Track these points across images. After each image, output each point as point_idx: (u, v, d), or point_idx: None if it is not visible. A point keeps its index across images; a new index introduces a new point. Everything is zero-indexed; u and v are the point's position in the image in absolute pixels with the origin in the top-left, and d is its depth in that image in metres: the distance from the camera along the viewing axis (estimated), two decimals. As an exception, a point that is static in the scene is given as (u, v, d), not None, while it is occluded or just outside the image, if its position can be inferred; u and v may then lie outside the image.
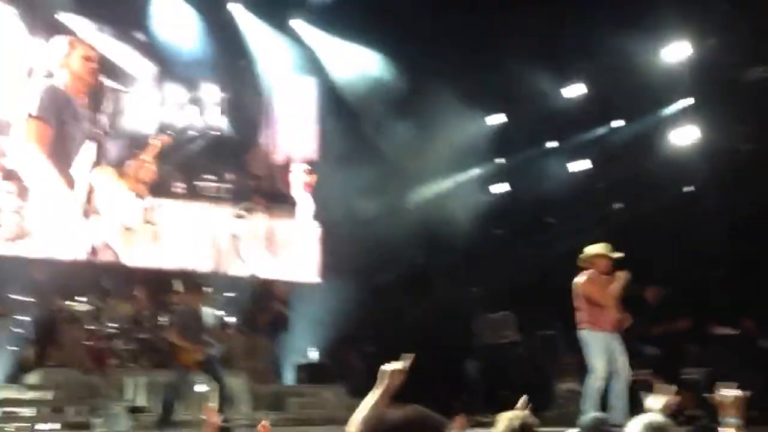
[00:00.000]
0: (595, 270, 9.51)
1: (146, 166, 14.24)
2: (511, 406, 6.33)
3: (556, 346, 14.05)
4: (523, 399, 6.23)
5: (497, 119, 17.26)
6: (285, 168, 16.52)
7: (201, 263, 14.73)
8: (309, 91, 17.50)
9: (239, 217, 15.23)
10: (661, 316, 11.73)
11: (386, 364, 3.91)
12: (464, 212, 15.88)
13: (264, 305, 13.71)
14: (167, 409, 10.24)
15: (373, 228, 15.09)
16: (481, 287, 12.19)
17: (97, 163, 13.65)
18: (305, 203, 16.46)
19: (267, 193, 16.00)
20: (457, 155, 16.47)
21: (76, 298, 12.11)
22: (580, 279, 9.52)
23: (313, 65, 17.30)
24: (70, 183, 13.23)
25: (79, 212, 13.25)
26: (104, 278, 12.69)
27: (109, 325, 11.89)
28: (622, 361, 9.40)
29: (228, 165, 15.65)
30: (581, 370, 12.18)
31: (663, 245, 14.31)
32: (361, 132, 16.25)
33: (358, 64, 16.97)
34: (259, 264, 14.49)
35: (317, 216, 16.75)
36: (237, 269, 14.17)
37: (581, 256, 9.66)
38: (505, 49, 14.77)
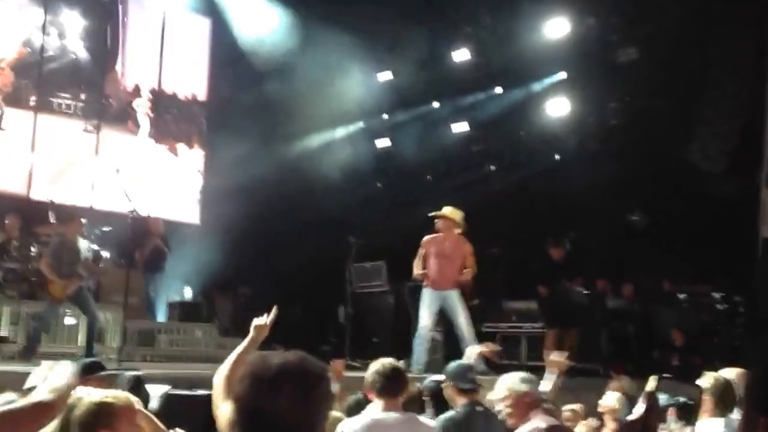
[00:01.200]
0: (442, 230, 9.88)
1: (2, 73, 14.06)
2: (379, 352, 6.21)
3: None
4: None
5: (385, 76, 16.98)
6: (134, 94, 16.44)
7: (78, 195, 14.25)
8: (202, 30, 17.23)
9: (87, 131, 15.31)
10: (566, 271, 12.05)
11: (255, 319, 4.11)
12: (347, 165, 15.65)
13: (142, 241, 13.09)
14: (33, 340, 9.62)
15: (256, 174, 14.69)
16: (357, 238, 11.92)
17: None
18: (145, 127, 16.44)
19: (115, 114, 16.05)
20: (345, 108, 16.31)
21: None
22: (426, 237, 9.89)
23: (209, 6, 16.89)
24: None
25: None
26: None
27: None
28: (463, 317, 9.83)
29: (83, 86, 15.67)
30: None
31: (525, 210, 14.55)
32: (251, 77, 15.70)
33: (254, 9, 16.44)
34: (140, 199, 13.98)
35: (202, 159, 16.33)
36: (115, 203, 13.60)
37: (432, 213, 9.97)
38: (398, 8, 14.51)
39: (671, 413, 6.63)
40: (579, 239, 14.20)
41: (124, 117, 16.14)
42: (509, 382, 4.83)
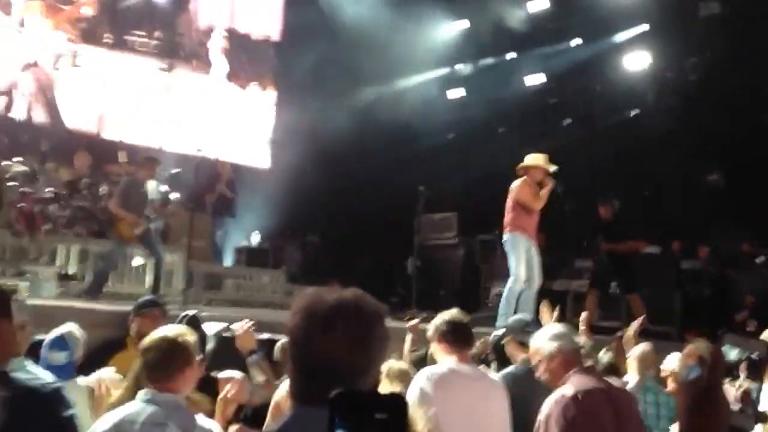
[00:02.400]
0: (530, 178, 9.05)
1: (80, 12, 14.07)
2: (446, 305, 5.78)
3: (494, 250, 13.55)
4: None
5: (461, 25, 16.42)
6: (207, 33, 16.18)
7: (148, 136, 14.08)
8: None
9: (161, 70, 15.18)
10: (618, 234, 10.98)
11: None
12: (420, 114, 15.11)
13: (210, 185, 12.75)
14: (99, 278, 9.25)
15: (327, 120, 14.32)
16: (427, 188, 11.39)
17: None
18: (218, 67, 16.15)
19: (189, 52, 15.89)
20: (419, 57, 15.72)
21: (13, 159, 10.91)
22: (515, 183, 9.09)
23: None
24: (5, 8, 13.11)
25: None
26: (45, 141, 11.48)
27: (46, 189, 10.74)
28: (538, 268, 9.08)
29: (157, 24, 15.56)
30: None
31: (599, 166, 14.04)
32: (325, 21, 15.22)
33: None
34: (210, 141, 13.67)
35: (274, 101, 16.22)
36: (186, 146, 13.30)
37: (521, 164, 9.16)
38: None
39: (743, 369, 6.18)
40: (653, 197, 13.68)
41: (197, 56, 15.89)
42: (537, 340, 4.38)
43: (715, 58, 13.85)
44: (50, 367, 3.98)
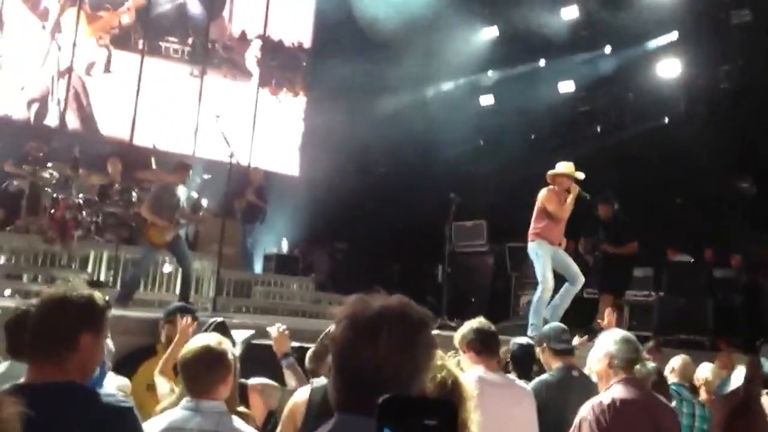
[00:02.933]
0: (558, 186, 9.05)
1: (119, 19, 14.38)
2: (476, 313, 5.70)
3: (524, 258, 13.45)
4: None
5: (492, 32, 16.36)
6: (243, 41, 16.40)
7: (180, 142, 14.27)
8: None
9: (193, 76, 15.39)
10: (615, 235, 11.06)
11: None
12: (450, 120, 15.05)
13: (241, 191, 12.74)
14: (130, 285, 9.20)
15: (357, 127, 14.26)
16: (458, 195, 11.30)
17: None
18: (251, 74, 16.43)
19: (221, 59, 16.05)
20: (450, 63, 15.67)
21: (47, 165, 10.92)
22: (542, 192, 9.10)
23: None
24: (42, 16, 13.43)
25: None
26: (77, 147, 11.51)
27: (78, 195, 10.75)
28: (574, 266, 9.14)
29: (190, 30, 15.76)
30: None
31: (635, 172, 13.86)
32: (356, 27, 15.16)
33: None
34: (241, 148, 13.71)
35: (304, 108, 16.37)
36: (216, 151, 13.34)
37: (550, 172, 9.14)
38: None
39: None
40: (685, 205, 13.55)
41: (229, 63, 15.99)
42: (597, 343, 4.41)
43: (747, 66, 13.62)
44: None
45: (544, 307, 8.91)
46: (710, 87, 14.30)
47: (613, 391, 4.06)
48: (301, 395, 4.01)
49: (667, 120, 15.02)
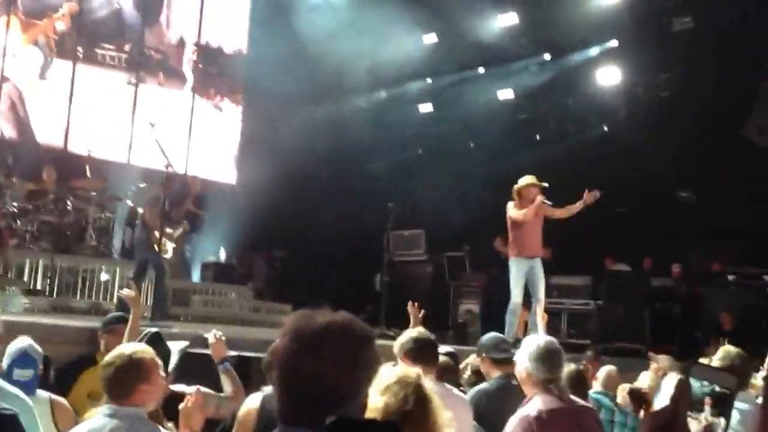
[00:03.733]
0: (523, 199, 9.65)
1: (55, 26, 14.24)
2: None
3: (462, 267, 13.93)
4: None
5: (430, 39, 16.57)
6: (177, 47, 16.36)
7: (115, 150, 14.29)
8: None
9: (130, 84, 15.22)
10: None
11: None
12: (388, 129, 15.39)
13: (179, 200, 12.99)
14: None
15: (295, 135, 14.51)
16: (396, 204, 11.72)
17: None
18: (188, 81, 16.34)
19: (158, 66, 15.96)
20: (387, 70, 15.93)
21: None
22: (509, 204, 9.75)
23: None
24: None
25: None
26: (10, 155, 11.71)
27: (12, 203, 10.99)
28: (541, 287, 9.62)
29: (126, 37, 15.59)
30: (484, 292, 12.13)
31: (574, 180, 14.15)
32: (293, 34, 15.46)
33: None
34: (177, 156, 13.92)
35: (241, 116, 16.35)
36: (153, 160, 13.58)
37: (515, 186, 9.73)
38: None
39: (707, 402, 6.42)
40: (625, 214, 13.98)
41: (166, 70, 16.00)
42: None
43: (688, 73, 14.08)
44: (17, 383, 4.13)
45: (514, 319, 9.63)
46: (651, 94, 14.73)
47: (536, 402, 4.20)
48: (253, 402, 4.20)
49: (606, 128, 15.49)
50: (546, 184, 9.69)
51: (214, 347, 5.23)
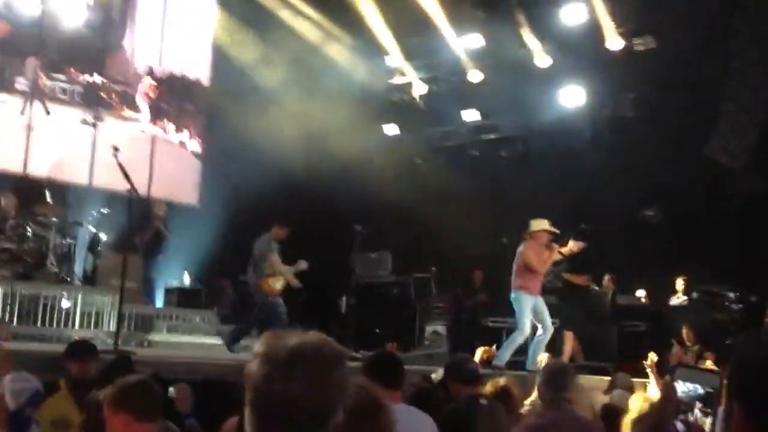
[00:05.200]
0: (535, 241, 10.56)
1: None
2: (382, 344, 6.16)
3: (429, 289, 14.05)
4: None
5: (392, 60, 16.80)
6: (137, 77, 15.95)
7: (75, 173, 14.26)
8: (207, 9, 17.01)
9: (85, 123, 14.69)
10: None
11: None
12: (354, 150, 15.50)
13: (142, 224, 13.02)
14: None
15: (257, 157, 14.55)
16: (362, 227, 11.86)
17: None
18: (145, 112, 16.10)
19: (122, 98, 15.59)
20: (352, 91, 16.11)
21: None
22: (521, 247, 10.63)
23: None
24: None
25: None
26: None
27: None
28: (549, 319, 10.59)
29: (83, 67, 14.79)
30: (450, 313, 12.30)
31: (536, 202, 14.31)
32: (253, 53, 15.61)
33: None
34: (139, 181, 13.91)
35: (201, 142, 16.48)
36: (114, 183, 13.59)
37: (528, 229, 10.61)
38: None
39: (697, 405, 6.59)
40: (591, 233, 14.17)
41: (126, 100, 15.67)
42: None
43: (653, 94, 14.35)
44: (26, 420, 4.26)
45: (514, 347, 10.43)
46: (615, 115, 14.92)
47: (543, 416, 4.63)
48: (231, 424, 4.29)
49: (572, 148, 15.68)
50: (556, 230, 10.66)
51: (179, 402, 5.29)
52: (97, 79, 15.11)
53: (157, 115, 16.20)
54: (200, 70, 16.98)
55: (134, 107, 15.83)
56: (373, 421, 2.28)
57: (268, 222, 14.28)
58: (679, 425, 5.12)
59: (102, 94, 15.18)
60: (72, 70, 14.77)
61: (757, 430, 1.89)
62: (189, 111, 16.92)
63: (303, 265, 11.22)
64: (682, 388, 6.26)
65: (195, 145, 16.88)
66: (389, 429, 2.34)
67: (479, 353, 7.92)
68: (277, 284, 10.90)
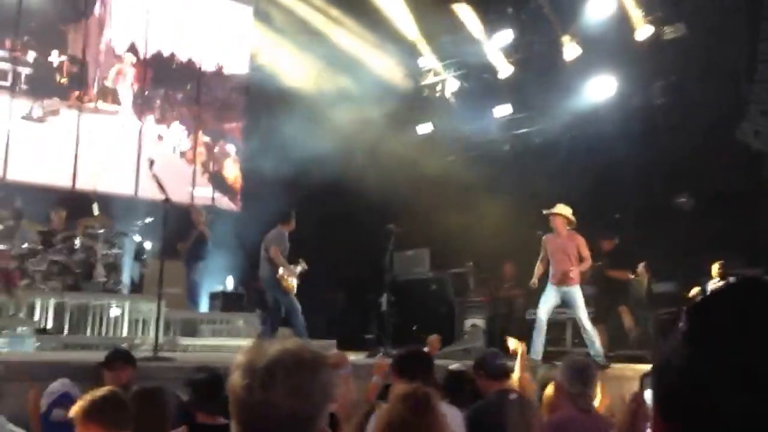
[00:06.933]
0: (558, 227, 10.65)
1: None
2: (421, 341, 6.21)
3: (466, 284, 14.11)
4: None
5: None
6: (115, 56, 13.19)
7: (121, 185, 14.37)
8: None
9: (27, 119, 12.58)
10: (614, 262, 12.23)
11: None
12: (388, 148, 15.58)
13: (184, 231, 13.25)
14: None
15: (294, 159, 14.70)
16: (398, 225, 11.95)
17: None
18: (127, 100, 13.99)
19: (94, 84, 13.33)
20: (382, 90, 16.23)
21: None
22: (580, 238, 10.67)
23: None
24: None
25: None
26: (18, 197, 12.01)
27: (22, 245, 11.28)
28: (579, 310, 10.50)
29: (32, 41, 11.73)
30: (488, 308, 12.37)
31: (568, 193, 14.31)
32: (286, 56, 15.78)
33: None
34: (180, 188, 14.07)
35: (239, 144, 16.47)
36: (155, 192, 13.80)
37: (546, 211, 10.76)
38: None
39: None
40: (624, 222, 14.11)
41: (102, 91, 13.17)
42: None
43: (682, 81, 14.16)
44: (53, 425, 4.32)
45: (539, 333, 10.47)
46: (645, 103, 14.75)
47: (561, 412, 4.60)
48: None
49: (603, 138, 15.58)
50: (554, 210, 10.82)
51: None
52: (53, 58, 12.15)
53: (143, 106, 14.34)
54: (236, 67, 16.48)
55: (110, 96, 13.73)
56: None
57: (308, 225, 14.50)
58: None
59: (57, 77, 12.42)
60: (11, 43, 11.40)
61: None
62: (235, 106, 16.57)
63: (302, 266, 11.24)
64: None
65: (237, 144, 16.81)
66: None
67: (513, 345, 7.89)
68: (293, 281, 10.98)
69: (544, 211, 10.81)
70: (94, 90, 13.28)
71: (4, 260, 10.76)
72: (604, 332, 11.49)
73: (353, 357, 9.42)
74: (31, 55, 11.54)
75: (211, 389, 4.71)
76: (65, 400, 4.58)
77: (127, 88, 13.61)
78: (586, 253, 10.63)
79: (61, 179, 14.16)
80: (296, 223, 11.48)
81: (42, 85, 11.92)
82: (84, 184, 14.06)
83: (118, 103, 13.61)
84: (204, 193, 15.77)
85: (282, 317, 11.10)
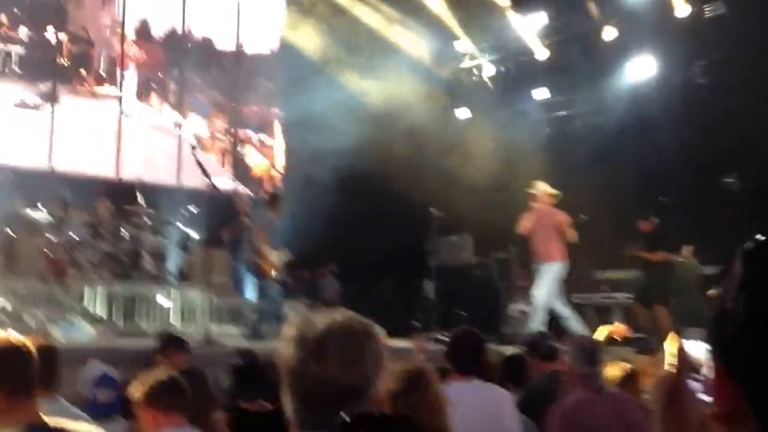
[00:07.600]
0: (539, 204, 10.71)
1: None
2: (465, 325, 6.15)
3: (510, 269, 14.01)
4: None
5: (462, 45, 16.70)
6: (117, 35, 11.85)
7: (161, 175, 14.32)
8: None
9: (30, 106, 11.43)
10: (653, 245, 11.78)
11: None
12: (428, 133, 15.51)
13: (228, 219, 13.27)
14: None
15: (331, 147, 14.66)
16: (440, 210, 11.87)
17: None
18: (130, 82, 12.99)
19: (96, 66, 12.06)
20: (420, 76, 16.16)
21: (36, 206, 11.55)
22: (560, 213, 10.86)
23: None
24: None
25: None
26: (66, 188, 12.10)
27: (70, 235, 11.36)
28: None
29: (28, 17, 10.35)
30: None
31: (610, 176, 14.36)
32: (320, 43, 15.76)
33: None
34: (219, 176, 14.07)
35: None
36: (196, 181, 13.80)
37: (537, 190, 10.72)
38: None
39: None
40: (668, 205, 13.94)
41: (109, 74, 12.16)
42: None
43: (724, 58, 13.97)
44: (98, 405, 4.31)
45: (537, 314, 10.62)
46: (687, 83, 14.59)
47: (573, 394, 4.57)
48: None
49: (644, 119, 15.42)
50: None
51: None
52: (51, 36, 10.75)
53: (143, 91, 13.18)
54: (264, 45, 15.82)
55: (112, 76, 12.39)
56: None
57: (352, 211, 14.40)
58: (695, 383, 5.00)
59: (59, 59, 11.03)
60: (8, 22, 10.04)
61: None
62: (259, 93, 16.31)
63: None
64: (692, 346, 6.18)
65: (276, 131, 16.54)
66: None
67: (604, 333, 7.76)
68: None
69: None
70: (101, 71, 12.22)
71: (55, 251, 10.84)
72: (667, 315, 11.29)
73: (401, 344, 9.43)
74: (23, 32, 10.24)
75: (249, 373, 4.73)
76: (108, 380, 4.63)
77: (132, 72, 12.65)
78: (569, 232, 10.90)
79: (104, 169, 14.14)
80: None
81: (38, 68, 10.63)
82: (127, 174, 14.10)
83: (120, 88, 12.75)
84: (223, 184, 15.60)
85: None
